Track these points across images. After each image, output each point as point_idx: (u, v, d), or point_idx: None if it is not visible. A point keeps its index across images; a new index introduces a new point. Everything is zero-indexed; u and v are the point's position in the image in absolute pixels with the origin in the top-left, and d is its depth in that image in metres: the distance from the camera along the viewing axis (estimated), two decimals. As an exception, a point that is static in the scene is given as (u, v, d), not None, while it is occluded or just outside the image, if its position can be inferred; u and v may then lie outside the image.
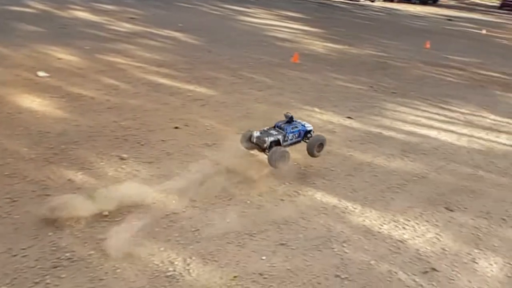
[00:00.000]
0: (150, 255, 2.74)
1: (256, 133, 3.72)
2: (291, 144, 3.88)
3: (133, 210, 3.12)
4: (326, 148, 4.10)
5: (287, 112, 3.96)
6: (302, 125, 3.96)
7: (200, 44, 9.17)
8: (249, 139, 3.82)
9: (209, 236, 2.98)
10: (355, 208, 3.52)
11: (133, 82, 6.15)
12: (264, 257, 2.82)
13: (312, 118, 5.52)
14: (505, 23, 22.53)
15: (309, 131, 3.98)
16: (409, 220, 3.42)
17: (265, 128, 3.85)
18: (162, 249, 2.81)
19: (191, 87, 6.19)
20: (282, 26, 12.80)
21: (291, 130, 3.86)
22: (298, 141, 3.95)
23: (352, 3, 24.81)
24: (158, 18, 11.63)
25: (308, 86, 6.97)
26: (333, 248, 2.99)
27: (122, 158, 3.91)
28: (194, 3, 15.37)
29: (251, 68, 7.68)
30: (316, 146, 3.89)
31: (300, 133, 3.94)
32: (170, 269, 2.65)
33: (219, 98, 5.86)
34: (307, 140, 3.96)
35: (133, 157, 3.95)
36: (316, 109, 5.86)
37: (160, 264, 2.68)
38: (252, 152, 3.96)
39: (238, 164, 3.94)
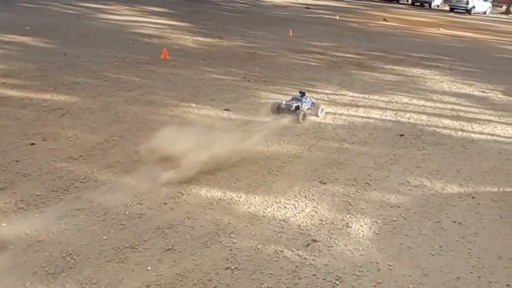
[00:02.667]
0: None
1: (284, 102, 5.50)
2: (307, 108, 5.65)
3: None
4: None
5: (300, 90, 5.82)
6: (310, 99, 5.79)
7: (54, 47, 8.21)
8: (278, 107, 5.47)
9: (84, 258, 2.67)
10: (239, 198, 3.55)
11: (-29, 98, 5.20)
12: (149, 268, 2.65)
13: (190, 114, 5.43)
14: (355, 8, 25.43)
15: (313, 103, 5.81)
16: (289, 199, 3.59)
17: (287, 100, 5.59)
18: (28, 284, 2.44)
19: (46, 96, 5.49)
20: (148, 22, 12.29)
21: (304, 100, 5.61)
22: (308, 107, 5.67)
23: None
24: (-2, 22, 10.05)
25: (181, 82, 6.82)
26: (221, 242, 2.96)
27: (-35, 190, 3.27)
28: (41, 2, 13.70)
29: (116, 68, 7.18)
30: (319, 110, 5.76)
31: (308, 102, 5.69)
32: (40, 305, 2.31)
33: (82, 105, 5.32)
34: (312, 107, 5.72)
35: (-21, 186, 3.33)
36: (193, 105, 5.77)
37: (27, 303, 2.31)
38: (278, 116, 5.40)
39: (110, 173, 3.64)
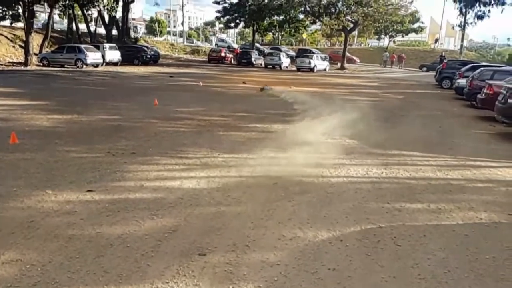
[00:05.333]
0: None
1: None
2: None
3: None
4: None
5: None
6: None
7: None
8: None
9: None
10: (109, 293, 3.14)
11: None
12: None
13: (46, 203, 4.78)
14: (215, 74, 27.04)
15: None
16: (167, 282, 3.32)
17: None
18: None
19: None
20: (-10, 104, 10.92)
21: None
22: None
23: (74, 70, 24.08)
24: None
25: (34, 167, 6.06)
26: None
27: None
28: None
29: None
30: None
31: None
32: None
33: None
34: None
35: None
36: (48, 191, 5.12)
37: None
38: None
39: None
